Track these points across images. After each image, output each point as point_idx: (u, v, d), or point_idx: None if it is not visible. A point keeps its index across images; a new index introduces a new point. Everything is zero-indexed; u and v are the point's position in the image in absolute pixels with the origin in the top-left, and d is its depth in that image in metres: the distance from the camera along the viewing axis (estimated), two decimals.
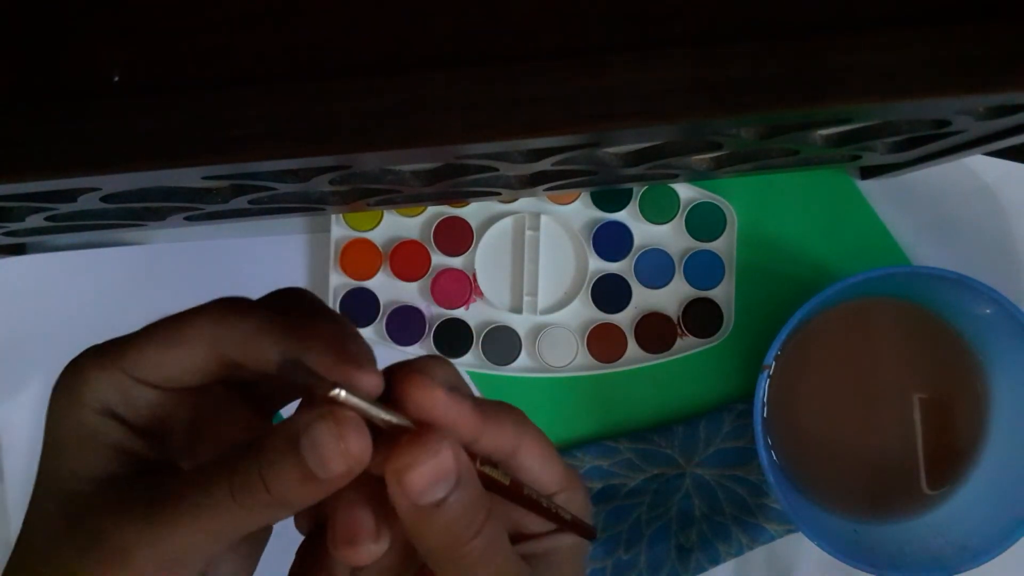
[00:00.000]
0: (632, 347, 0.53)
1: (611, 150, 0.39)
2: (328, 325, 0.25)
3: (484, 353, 0.53)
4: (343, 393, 0.22)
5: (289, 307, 0.27)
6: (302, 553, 0.26)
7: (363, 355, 0.23)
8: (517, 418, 0.26)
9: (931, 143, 0.40)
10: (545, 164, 0.37)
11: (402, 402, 0.23)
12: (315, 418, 0.22)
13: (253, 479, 0.22)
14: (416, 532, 0.23)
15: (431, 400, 0.23)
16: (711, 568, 0.53)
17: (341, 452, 0.22)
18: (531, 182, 0.44)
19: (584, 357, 0.53)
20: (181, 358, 0.25)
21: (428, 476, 0.23)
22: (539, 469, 0.26)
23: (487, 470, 0.25)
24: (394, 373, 0.24)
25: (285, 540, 0.27)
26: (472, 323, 0.53)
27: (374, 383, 0.23)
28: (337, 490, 0.24)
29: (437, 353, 0.53)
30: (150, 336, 0.25)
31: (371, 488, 0.23)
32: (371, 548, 0.23)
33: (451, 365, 0.27)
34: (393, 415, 0.23)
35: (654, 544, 0.53)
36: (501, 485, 0.25)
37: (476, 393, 0.53)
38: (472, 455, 0.24)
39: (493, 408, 0.25)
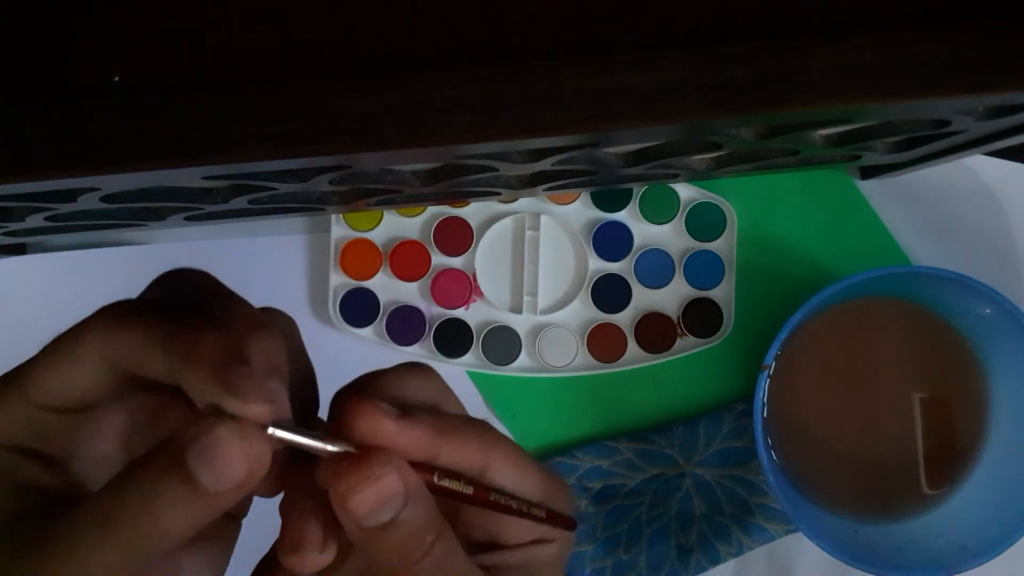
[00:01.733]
0: (632, 347, 0.53)
1: (611, 150, 0.39)
2: (216, 336, 0.23)
3: (484, 353, 0.53)
4: (278, 431, 0.22)
5: (182, 299, 0.25)
6: (271, 553, 0.26)
7: (251, 378, 0.22)
8: (484, 434, 0.25)
9: (931, 143, 0.40)
10: (545, 164, 0.37)
11: (347, 429, 0.23)
12: (208, 426, 0.21)
13: (128, 510, 0.21)
14: (364, 550, 0.23)
15: (375, 429, 0.23)
16: (711, 568, 0.53)
17: (242, 453, 0.21)
18: (531, 182, 0.44)
19: (584, 357, 0.53)
20: (79, 377, 0.24)
21: (371, 500, 0.22)
22: (515, 482, 0.26)
23: (447, 483, 0.24)
24: (342, 397, 0.24)
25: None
26: (472, 323, 0.53)
27: (257, 413, 0.22)
28: (288, 500, 0.24)
29: (432, 355, 0.53)
30: (46, 358, 0.24)
31: (322, 497, 0.23)
32: (316, 557, 0.23)
33: (429, 373, 0.26)
34: (334, 444, 0.23)
35: (654, 544, 0.53)
36: (465, 496, 0.25)
37: (475, 390, 0.53)
38: (430, 469, 0.24)
39: (455, 426, 0.25)
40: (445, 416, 0.25)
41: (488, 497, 0.25)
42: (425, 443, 0.24)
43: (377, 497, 0.22)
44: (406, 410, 0.24)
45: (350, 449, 0.23)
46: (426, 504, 0.23)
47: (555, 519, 0.27)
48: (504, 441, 0.26)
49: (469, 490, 0.25)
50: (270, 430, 0.21)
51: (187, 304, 0.25)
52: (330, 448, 0.23)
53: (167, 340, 0.23)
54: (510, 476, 0.25)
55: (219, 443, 0.21)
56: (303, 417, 0.26)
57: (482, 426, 0.26)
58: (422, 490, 0.23)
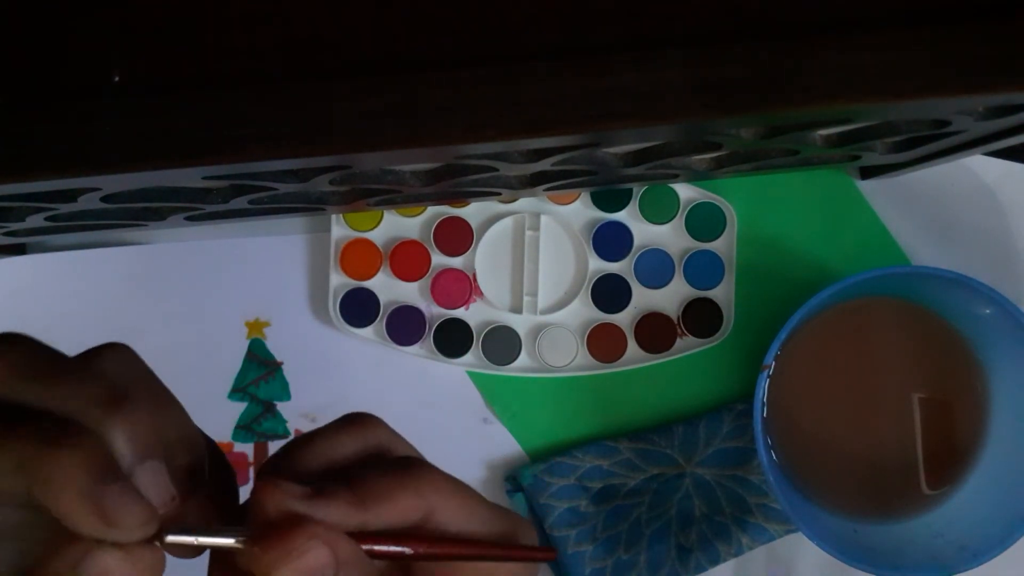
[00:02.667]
0: (632, 347, 0.53)
1: (611, 150, 0.39)
2: (74, 453, 0.21)
3: (484, 353, 0.53)
4: (170, 537, 0.21)
5: (14, 387, 0.22)
6: None
7: (125, 497, 0.21)
8: (421, 482, 0.25)
9: (931, 143, 0.40)
10: (545, 164, 0.37)
11: (260, 515, 0.22)
12: (91, 554, 0.20)
13: None
14: None
15: (285, 513, 0.22)
16: (711, 568, 0.53)
17: (134, 571, 0.21)
18: (531, 182, 0.44)
19: (584, 357, 0.53)
20: None
21: (297, 574, 0.22)
22: (460, 524, 0.25)
23: (383, 548, 0.24)
24: (258, 478, 0.23)
25: None
26: (472, 323, 0.53)
27: (143, 535, 0.21)
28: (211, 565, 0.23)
29: (432, 355, 0.53)
30: None
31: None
32: None
33: (366, 424, 0.26)
34: (232, 536, 0.22)
35: (654, 544, 0.53)
36: (416, 555, 0.24)
37: (475, 390, 0.53)
38: (369, 536, 0.23)
39: (381, 487, 0.24)
40: (370, 478, 0.24)
41: (439, 551, 0.25)
42: (344, 516, 0.23)
43: (302, 570, 0.22)
44: (326, 481, 0.24)
45: (247, 537, 0.22)
46: (361, 571, 0.23)
47: (531, 552, 0.26)
48: (447, 484, 0.25)
49: (409, 551, 0.24)
50: (166, 538, 0.21)
51: (21, 394, 0.22)
52: (229, 542, 0.22)
53: (19, 464, 0.21)
54: (455, 518, 0.25)
55: (108, 572, 0.20)
56: (210, 473, 0.25)
57: (418, 473, 0.25)
58: (357, 557, 0.23)
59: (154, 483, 0.22)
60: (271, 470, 0.25)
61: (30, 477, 0.21)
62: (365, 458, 0.26)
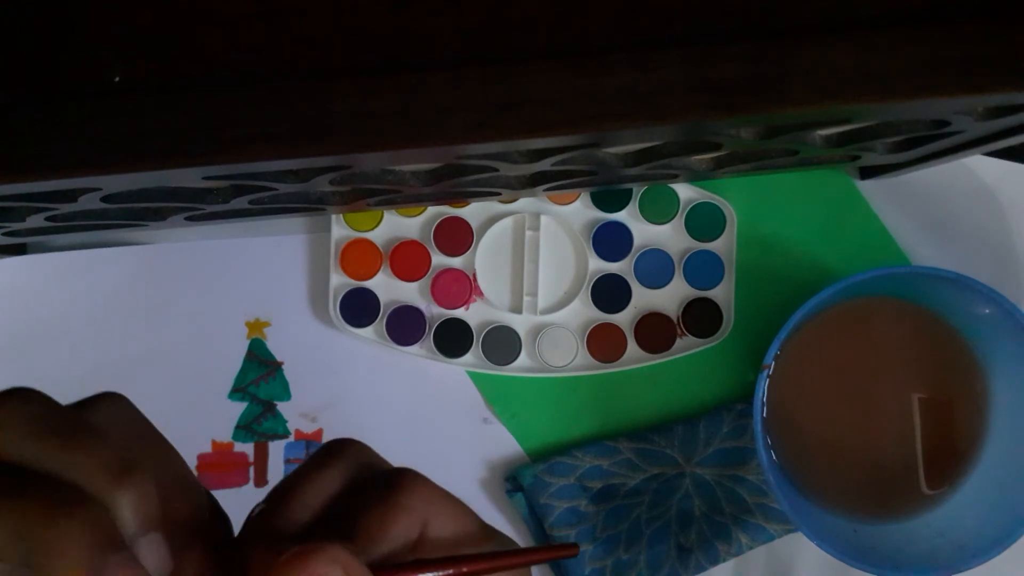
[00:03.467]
0: (632, 347, 0.53)
1: (611, 150, 0.39)
2: (76, 523, 0.20)
3: (484, 353, 0.53)
4: None
5: (16, 450, 0.21)
6: None
7: (128, 567, 0.20)
8: (412, 497, 0.25)
9: (930, 143, 0.40)
10: (545, 164, 0.37)
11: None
12: None
13: None
14: None
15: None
16: (711, 567, 0.53)
17: None
18: (531, 182, 0.44)
19: (584, 357, 0.53)
20: None
21: None
22: (455, 531, 0.25)
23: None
24: (249, 536, 0.23)
25: None
26: (472, 323, 0.53)
27: None
28: None
29: (432, 355, 0.53)
30: None
31: None
32: None
33: (344, 448, 0.26)
34: None
35: (654, 544, 0.53)
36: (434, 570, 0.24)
37: (475, 390, 0.53)
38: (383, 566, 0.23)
39: (378, 517, 0.24)
40: (360, 514, 0.24)
41: (466, 569, 0.24)
42: (348, 554, 0.23)
43: None
44: (318, 532, 0.23)
45: None
46: None
47: (555, 551, 0.26)
48: (437, 494, 0.25)
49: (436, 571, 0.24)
50: None
51: (28, 454, 0.21)
52: None
53: (19, 531, 0.20)
54: (450, 527, 0.25)
55: None
56: (205, 525, 0.25)
57: (407, 488, 0.25)
58: None
59: (154, 556, 0.22)
60: (262, 527, 0.25)
61: (30, 544, 0.20)
62: (352, 485, 0.26)
